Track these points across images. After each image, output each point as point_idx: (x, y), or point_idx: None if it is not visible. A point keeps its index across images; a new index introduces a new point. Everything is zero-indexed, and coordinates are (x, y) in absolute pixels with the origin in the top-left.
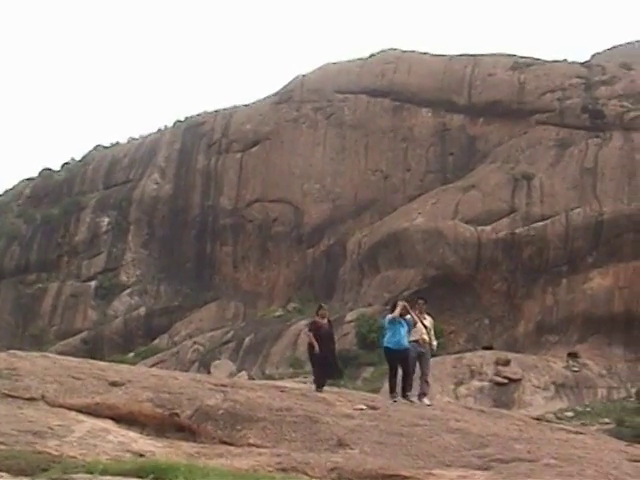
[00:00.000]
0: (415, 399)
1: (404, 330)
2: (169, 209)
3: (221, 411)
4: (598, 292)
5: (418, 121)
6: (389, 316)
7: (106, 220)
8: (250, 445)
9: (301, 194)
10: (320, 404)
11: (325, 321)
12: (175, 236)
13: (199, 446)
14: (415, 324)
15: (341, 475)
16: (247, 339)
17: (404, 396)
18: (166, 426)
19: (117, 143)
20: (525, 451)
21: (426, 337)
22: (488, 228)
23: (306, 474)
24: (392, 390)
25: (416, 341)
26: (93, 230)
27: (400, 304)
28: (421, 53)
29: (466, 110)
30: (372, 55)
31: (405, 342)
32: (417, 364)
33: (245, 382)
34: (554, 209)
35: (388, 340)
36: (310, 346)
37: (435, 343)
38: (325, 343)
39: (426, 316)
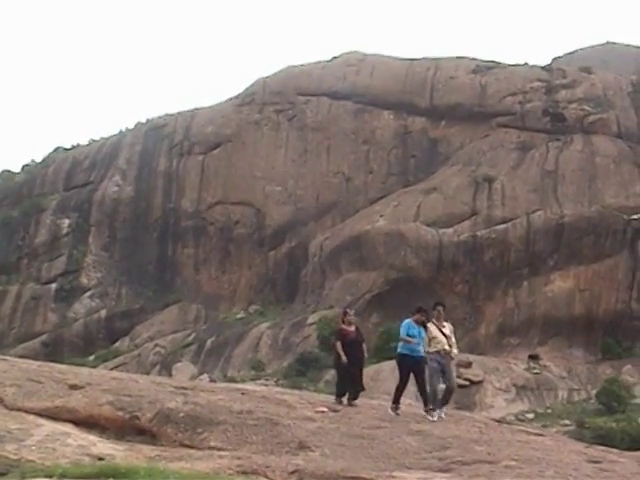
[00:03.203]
0: (435, 413)
1: (420, 337)
2: (130, 211)
3: (182, 414)
4: (559, 294)
5: (380, 124)
6: (405, 321)
7: (67, 222)
8: (211, 448)
9: (263, 196)
10: (281, 407)
11: (352, 328)
12: (136, 238)
13: (159, 449)
14: (430, 339)
15: (302, 478)
16: (209, 342)
17: (426, 411)
18: (126, 429)
19: (78, 145)
20: (485, 453)
21: (447, 347)
22: (449, 231)
23: (267, 477)
24: (396, 401)
25: (437, 352)
26: (53, 232)
27: (420, 312)
28: (383, 56)
29: (428, 113)
30: (334, 57)
31: (421, 350)
32: (441, 378)
33: (206, 385)
34: (515, 212)
35: (402, 346)
36: (337, 355)
37: (456, 351)
38: (350, 351)
39: (445, 323)
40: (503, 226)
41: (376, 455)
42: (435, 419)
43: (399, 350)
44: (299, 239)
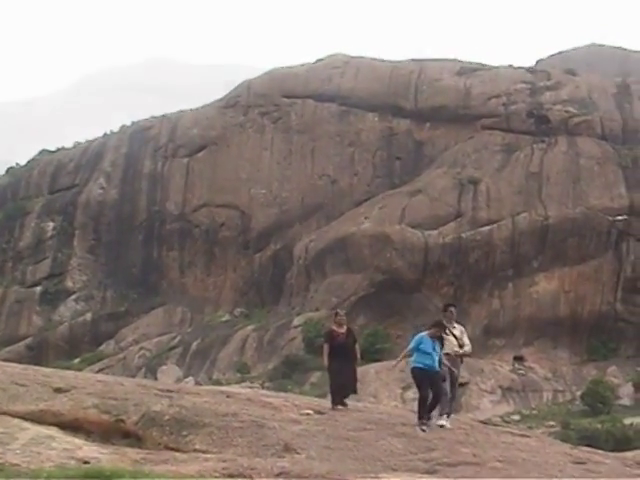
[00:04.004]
0: (441, 420)
1: (435, 352)
2: (115, 214)
3: (167, 417)
4: (544, 296)
5: (365, 126)
6: (417, 336)
7: (51, 225)
8: (196, 451)
9: (248, 199)
10: (266, 409)
11: (343, 330)
12: (121, 241)
13: (145, 452)
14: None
15: None
16: (194, 344)
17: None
18: (111, 432)
19: (62, 148)
20: (471, 454)
21: (457, 349)
22: (435, 232)
23: (252, 479)
24: (421, 417)
25: (447, 354)
26: (38, 235)
27: (437, 323)
28: (368, 58)
29: (413, 115)
30: (319, 60)
31: (436, 364)
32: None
33: (191, 388)
34: (500, 213)
35: (416, 360)
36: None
37: (467, 348)
38: (340, 354)
39: (455, 325)
40: (488, 228)
41: (362, 457)
42: (447, 424)
43: (413, 364)
44: (284, 242)
